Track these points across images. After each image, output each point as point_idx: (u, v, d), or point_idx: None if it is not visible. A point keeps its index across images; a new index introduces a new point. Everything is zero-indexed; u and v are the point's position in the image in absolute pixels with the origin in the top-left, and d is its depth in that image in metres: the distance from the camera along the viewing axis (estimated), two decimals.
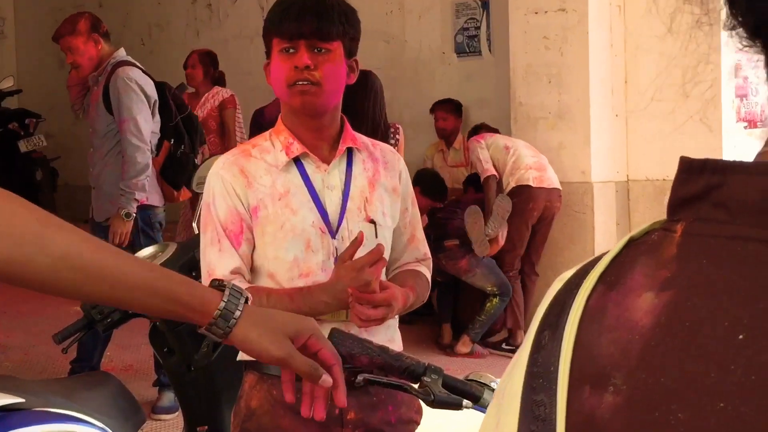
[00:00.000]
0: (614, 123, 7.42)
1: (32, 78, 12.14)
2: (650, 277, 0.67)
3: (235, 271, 2.49)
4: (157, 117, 5.66)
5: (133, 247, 5.19)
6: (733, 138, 7.03)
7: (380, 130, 5.94)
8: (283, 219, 2.49)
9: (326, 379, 1.60)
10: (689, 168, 0.68)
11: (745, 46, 0.67)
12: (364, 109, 6.00)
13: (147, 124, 5.50)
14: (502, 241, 7.08)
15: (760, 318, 0.59)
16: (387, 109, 9.65)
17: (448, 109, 8.78)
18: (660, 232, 0.70)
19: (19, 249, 1.30)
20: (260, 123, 6.63)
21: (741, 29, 0.67)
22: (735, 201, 0.64)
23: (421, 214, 7.50)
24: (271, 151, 2.55)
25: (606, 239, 7.26)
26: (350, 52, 2.53)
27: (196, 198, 4.93)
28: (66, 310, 5.93)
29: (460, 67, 9.35)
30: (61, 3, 11.40)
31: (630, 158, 7.55)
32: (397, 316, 2.56)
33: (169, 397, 5.64)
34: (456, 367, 6.44)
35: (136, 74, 5.58)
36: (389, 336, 2.58)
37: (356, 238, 2.41)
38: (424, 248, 2.74)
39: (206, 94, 8.10)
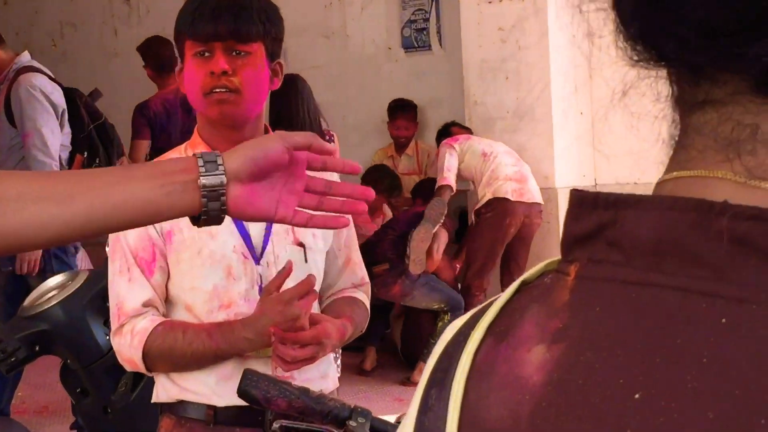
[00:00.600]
0: (579, 122, 7.42)
1: None
2: (541, 328, 0.67)
3: (148, 304, 2.45)
4: (67, 128, 5.55)
5: (44, 273, 5.09)
6: None
7: None
8: (201, 244, 2.45)
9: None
10: (580, 202, 0.68)
11: (638, 61, 0.67)
12: (299, 116, 6.04)
13: (54, 137, 5.38)
14: (437, 256, 7.03)
15: (656, 374, 0.59)
16: (328, 111, 9.65)
17: (410, 117, 8.76)
18: (553, 275, 0.70)
19: None
20: (147, 116, 6.69)
21: (631, 41, 0.66)
22: (628, 240, 0.64)
23: (376, 214, 7.53)
24: None
25: None
26: (273, 54, 2.49)
27: None
28: None
29: (409, 64, 9.34)
30: None
31: (597, 161, 7.56)
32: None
33: None
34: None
35: (40, 81, 5.46)
36: (321, 371, 2.55)
37: (284, 267, 2.38)
38: (362, 272, 2.72)
39: None
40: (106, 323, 2.94)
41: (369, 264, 6.93)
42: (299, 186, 1.65)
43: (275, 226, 2.49)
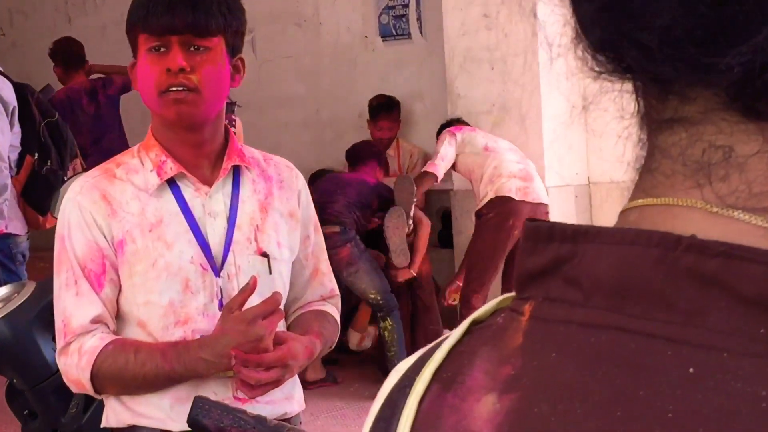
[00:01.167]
0: (571, 116, 7.41)
1: None
2: (491, 375, 0.65)
3: (97, 320, 2.42)
4: (17, 127, 5.52)
5: None
6: None
7: None
8: (156, 255, 2.42)
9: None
10: (535, 235, 0.67)
11: (599, 72, 0.65)
12: None
13: (3, 137, 5.35)
14: (422, 251, 7.06)
15: (615, 430, 0.57)
16: (300, 104, 9.66)
17: (395, 116, 8.68)
18: (507, 314, 0.69)
19: None
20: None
21: (591, 49, 0.65)
22: (588, 277, 0.63)
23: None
24: (140, 170, 2.49)
25: None
26: (234, 49, 2.47)
27: None
28: None
29: (387, 54, 9.33)
30: None
31: (591, 157, 7.55)
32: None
33: None
34: None
35: None
36: (285, 392, 2.54)
37: (248, 283, 2.37)
38: (331, 283, 2.71)
39: None
40: (55, 339, 2.91)
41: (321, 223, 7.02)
42: None
43: (236, 234, 2.48)
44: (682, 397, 0.56)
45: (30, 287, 3.21)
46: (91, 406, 3.10)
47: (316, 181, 7.50)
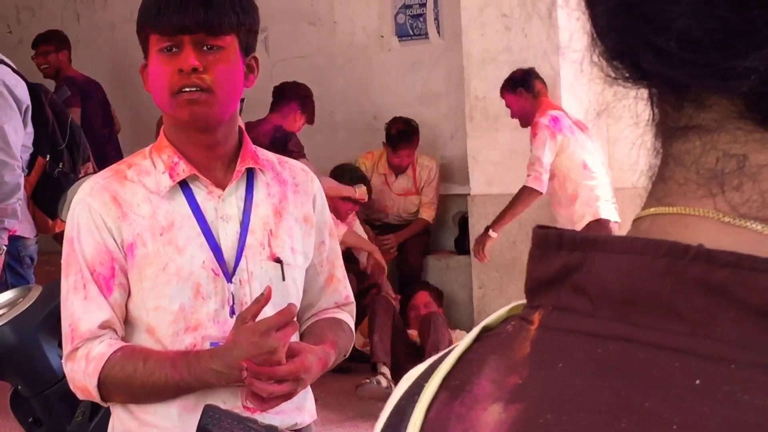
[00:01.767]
0: (593, 120, 7.38)
1: None
2: (498, 385, 0.66)
3: (105, 325, 2.42)
4: (30, 127, 5.50)
5: None
6: None
7: None
8: (166, 259, 2.42)
9: None
10: (544, 242, 0.68)
11: (615, 78, 0.66)
12: None
13: (17, 136, 5.33)
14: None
15: None
16: (315, 104, 9.63)
17: (414, 143, 8.57)
18: (517, 322, 0.69)
19: None
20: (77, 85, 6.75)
21: (606, 54, 0.65)
22: (595, 287, 0.63)
23: (345, 215, 7.48)
24: (152, 172, 2.48)
25: None
26: (248, 48, 2.48)
27: None
28: None
29: (403, 54, 9.31)
30: None
31: (613, 162, 7.53)
32: None
33: None
34: None
35: (3, 73, 5.41)
36: (296, 403, 2.52)
37: (263, 293, 2.35)
38: (346, 290, 2.71)
39: None
40: (61, 345, 2.92)
41: None
42: None
43: (249, 239, 2.47)
44: (688, 409, 0.57)
45: (36, 291, 3.21)
46: (98, 414, 3.09)
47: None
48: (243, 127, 2.62)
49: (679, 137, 0.63)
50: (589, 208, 6.75)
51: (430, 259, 8.34)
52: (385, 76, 9.23)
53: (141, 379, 2.36)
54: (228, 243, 2.46)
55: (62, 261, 2.48)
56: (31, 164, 5.56)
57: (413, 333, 7.26)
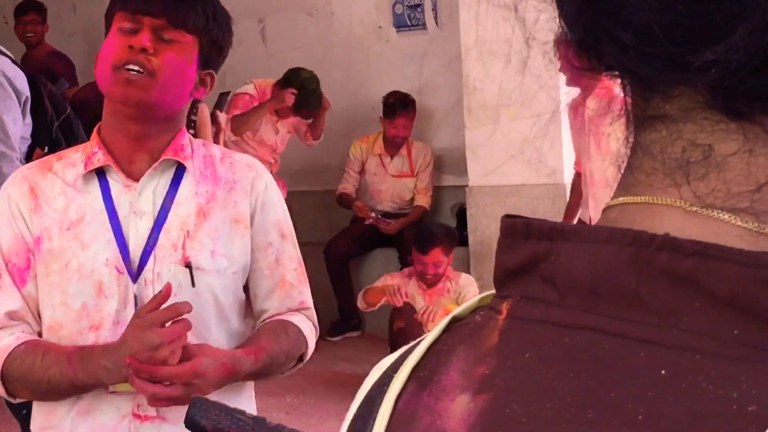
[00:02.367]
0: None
1: None
2: (467, 375, 0.67)
3: (15, 316, 2.37)
4: (29, 119, 5.50)
5: None
6: None
7: None
8: (70, 255, 2.34)
9: None
10: (512, 231, 0.68)
11: (580, 69, 0.66)
12: None
13: (16, 127, 5.34)
14: None
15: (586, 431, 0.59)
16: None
17: (412, 114, 8.65)
18: (485, 312, 0.70)
19: None
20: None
21: (573, 46, 0.66)
22: (563, 276, 0.64)
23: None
24: (77, 165, 2.41)
25: None
26: (207, 60, 2.41)
27: None
28: None
29: (401, 45, 9.32)
30: None
31: None
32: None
33: None
34: None
35: (2, 64, 5.41)
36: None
37: (161, 291, 2.24)
38: (301, 295, 2.55)
39: None
40: None
41: None
42: None
43: (162, 238, 2.36)
44: (654, 399, 0.57)
45: None
46: None
47: None
48: (191, 132, 2.58)
49: (647, 127, 0.64)
50: None
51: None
52: (383, 67, 9.24)
53: (38, 373, 2.29)
54: (138, 240, 2.35)
55: None
56: (29, 156, 5.56)
57: None
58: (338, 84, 9.44)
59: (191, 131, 6.60)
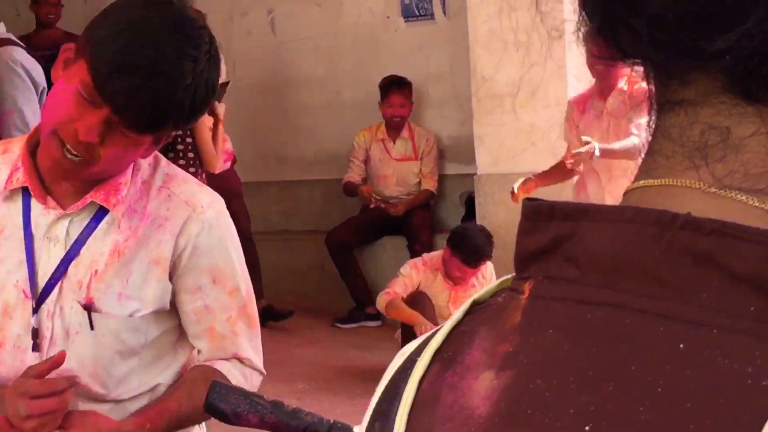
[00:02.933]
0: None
1: None
2: (490, 353, 0.68)
3: None
4: None
5: None
6: None
7: None
8: None
9: None
10: (536, 214, 0.69)
11: (598, 57, 0.68)
12: None
13: (35, 118, 5.36)
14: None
15: (608, 405, 0.60)
16: (321, 86, 9.64)
17: (406, 93, 8.69)
18: (507, 294, 0.71)
19: None
20: None
21: (592, 34, 0.67)
22: (585, 255, 0.65)
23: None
24: (9, 165, 2.26)
25: None
26: (161, 138, 2.22)
27: None
28: None
29: (409, 35, 9.30)
30: None
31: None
32: None
33: None
34: None
35: (21, 55, 5.43)
36: None
37: (53, 357, 2.09)
38: (234, 347, 2.35)
39: None
40: None
41: None
42: None
43: (71, 271, 2.21)
44: (672, 372, 0.58)
45: None
46: None
47: None
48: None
49: (667, 111, 0.65)
50: None
51: (438, 238, 8.35)
52: (392, 57, 9.22)
53: None
54: (47, 268, 2.20)
55: None
56: None
57: None
58: (347, 73, 9.45)
59: (187, 129, 6.55)
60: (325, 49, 9.58)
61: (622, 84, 6.25)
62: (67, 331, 2.20)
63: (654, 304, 0.61)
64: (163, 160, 2.35)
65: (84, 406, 2.21)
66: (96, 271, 2.20)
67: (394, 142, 8.78)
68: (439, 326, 0.74)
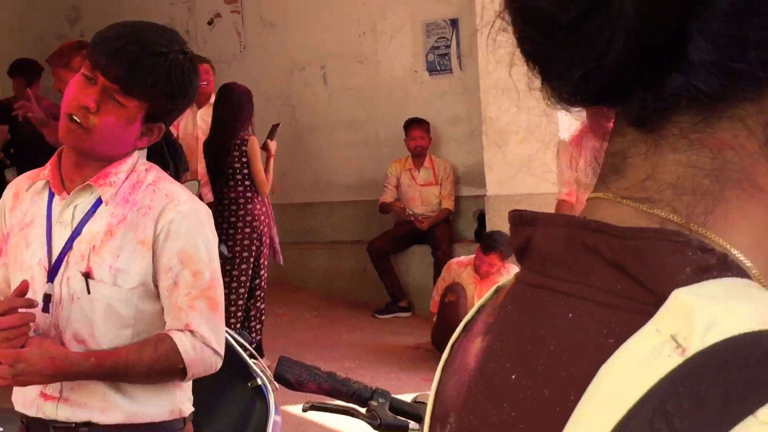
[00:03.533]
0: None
1: None
2: (483, 323, 0.72)
3: None
4: None
5: None
6: None
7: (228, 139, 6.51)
8: (18, 252, 2.29)
9: None
10: (514, 221, 0.71)
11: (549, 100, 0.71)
12: (228, 122, 6.56)
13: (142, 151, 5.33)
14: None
15: (526, 359, 0.64)
16: (363, 126, 9.67)
17: (425, 128, 8.76)
18: (512, 280, 0.74)
19: None
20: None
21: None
22: (536, 250, 0.68)
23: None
24: (41, 175, 2.36)
25: None
26: (155, 117, 2.23)
27: None
28: None
29: (432, 85, 9.30)
30: (43, 32, 11.25)
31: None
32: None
33: None
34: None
35: None
36: (100, 403, 2.23)
37: (19, 286, 2.14)
38: (188, 318, 2.25)
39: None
40: None
41: None
42: None
43: (75, 247, 2.23)
44: (561, 335, 0.62)
45: None
46: None
47: None
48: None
49: (609, 141, 0.68)
50: None
51: (456, 246, 8.36)
52: (418, 103, 9.22)
53: None
54: (59, 246, 2.23)
55: None
56: None
57: None
58: (383, 116, 9.46)
59: (244, 159, 6.59)
60: (365, 97, 9.60)
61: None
62: (72, 296, 2.21)
63: (561, 285, 0.64)
64: (159, 170, 2.36)
65: None
66: (94, 246, 2.21)
67: (419, 171, 8.80)
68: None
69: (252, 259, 6.67)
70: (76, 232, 2.23)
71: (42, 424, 2.24)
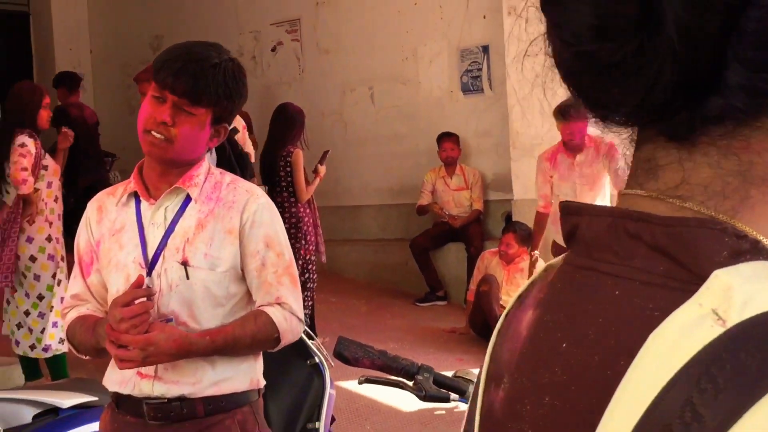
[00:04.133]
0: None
1: (108, 122, 12.19)
2: (535, 297, 0.73)
3: (77, 297, 2.37)
4: (214, 154, 5.56)
5: None
6: None
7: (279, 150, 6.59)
8: (111, 255, 2.29)
9: None
10: (563, 210, 0.72)
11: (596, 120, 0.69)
12: (284, 137, 6.63)
13: (212, 160, 5.39)
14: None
15: (575, 330, 0.65)
16: (405, 139, 9.65)
17: (455, 140, 8.77)
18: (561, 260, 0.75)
19: None
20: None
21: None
22: (582, 236, 0.69)
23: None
24: (121, 187, 2.38)
25: None
26: (220, 119, 2.26)
27: None
28: None
29: (466, 103, 9.27)
30: (129, 59, 11.41)
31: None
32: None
33: None
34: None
35: None
36: (190, 379, 2.23)
37: (136, 280, 2.14)
38: (278, 292, 2.28)
39: None
40: None
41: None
42: None
43: (170, 242, 2.24)
44: (609, 309, 0.63)
45: None
46: None
47: None
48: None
49: (637, 147, 0.69)
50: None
51: (487, 243, 8.34)
52: (454, 119, 9.21)
53: (79, 337, 2.28)
54: (153, 244, 2.24)
55: None
56: None
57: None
58: (423, 131, 9.45)
59: (288, 169, 6.61)
60: (407, 114, 9.60)
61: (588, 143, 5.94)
62: (170, 286, 2.21)
63: (608, 267, 0.65)
64: (231, 174, 2.38)
65: None
66: (188, 239, 2.23)
67: (451, 178, 8.79)
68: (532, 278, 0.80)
69: (297, 257, 6.69)
70: (169, 230, 2.24)
71: (135, 401, 2.25)
